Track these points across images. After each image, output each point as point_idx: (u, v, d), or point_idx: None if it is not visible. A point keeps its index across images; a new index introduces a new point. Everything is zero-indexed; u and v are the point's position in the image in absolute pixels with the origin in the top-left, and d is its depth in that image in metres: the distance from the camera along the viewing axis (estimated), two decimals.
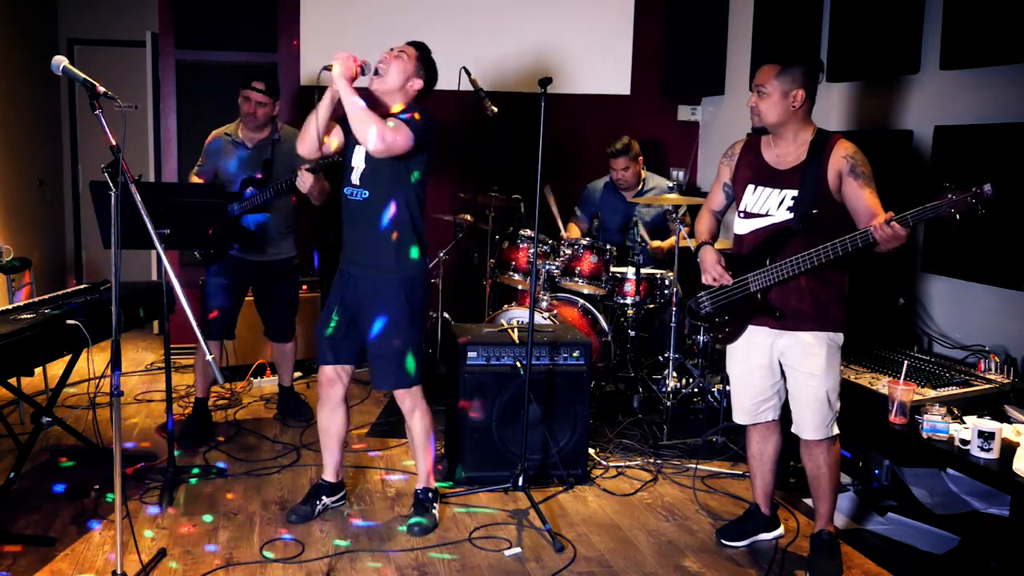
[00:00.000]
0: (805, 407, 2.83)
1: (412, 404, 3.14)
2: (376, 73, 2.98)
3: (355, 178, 3.02)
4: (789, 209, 2.76)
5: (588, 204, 5.01)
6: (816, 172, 2.72)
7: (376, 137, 2.81)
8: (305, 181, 3.67)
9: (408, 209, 3.01)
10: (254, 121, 3.98)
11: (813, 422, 2.82)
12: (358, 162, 3.02)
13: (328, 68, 2.88)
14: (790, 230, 2.75)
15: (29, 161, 6.25)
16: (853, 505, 3.39)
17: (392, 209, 2.99)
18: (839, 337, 2.82)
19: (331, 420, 3.20)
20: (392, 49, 3.03)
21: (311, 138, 3.00)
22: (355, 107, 2.85)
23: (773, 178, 2.82)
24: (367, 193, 2.99)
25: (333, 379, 3.16)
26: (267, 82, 3.97)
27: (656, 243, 4.73)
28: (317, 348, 3.17)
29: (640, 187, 4.88)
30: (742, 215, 2.90)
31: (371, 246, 3.02)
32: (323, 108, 2.95)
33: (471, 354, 3.53)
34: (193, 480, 3.49)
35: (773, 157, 2.84)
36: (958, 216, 2.44)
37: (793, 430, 2.90)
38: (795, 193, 2.75)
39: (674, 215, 4.24)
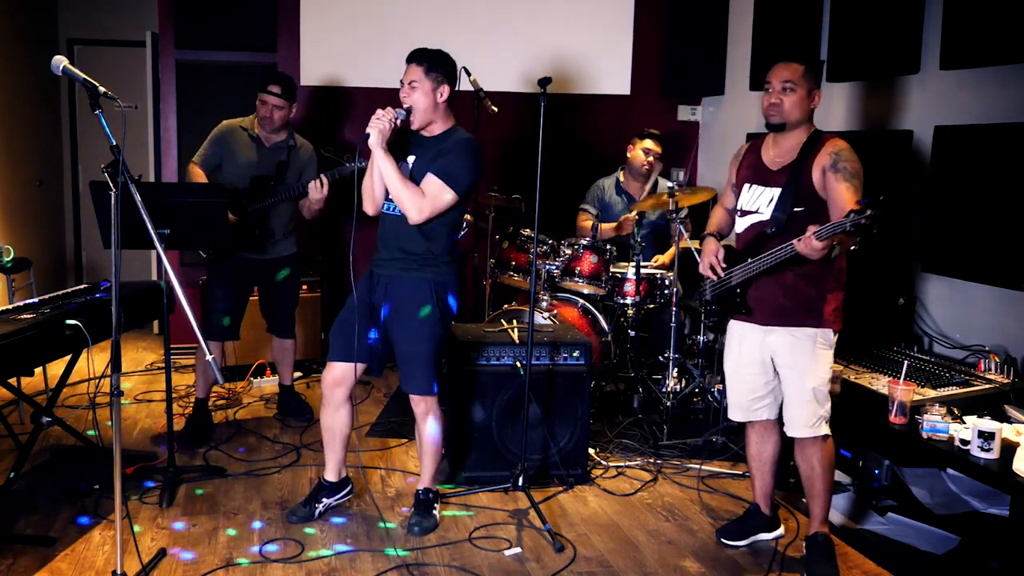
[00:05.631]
0: (794, 403, 2.85)
1: (426, 408, 3.14)
2: (408, 114, 2.99)
3: None
4: (775, 207, 2.80)
5: (596, 199, 4.98)
6: (801, 170, 2.76)
7: (415, 212, 2.94)
8: (314, 194, 3.81)
9: (444, 223, 3.04)
10: (271, 124, 3.98)
11: (801, 419, 2.84)
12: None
13: (367, 137, 2.91)
14: (766, 231, 2.79)
15: (29, 161, 6.25)
16: (852, 505, 3.39)
17: (430, 224, 3.01)
18: (828, 334, 2.82)
19: (334, 419, 3.18)
20: (402, 85, 3.01)
21: (371, 198, 3.10)
22: (393, 182, 2.94)
23: (765, 176, 2.86)
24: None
25: (339, 380, 3.12)
26: (283, 85, 3.97)
27: (659, 259, 4.73)
28: (331, 344, 3.14)
29: (650, 184, 4.89)
30: (739, 213, 2.95)
31: (405, 254, 3.03)
32: (376, 174, 3.03)
33: (471, 354, 3.53)
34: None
35: (770, 157, 2.88)
36: (852, 230, 2.46)
37: (785, 428, 2.91)
38: (779, 191, 2.79)
39: (675, 215, 4.24)
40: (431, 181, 2.95)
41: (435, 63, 3.01)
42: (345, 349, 3.10)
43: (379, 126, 2.91)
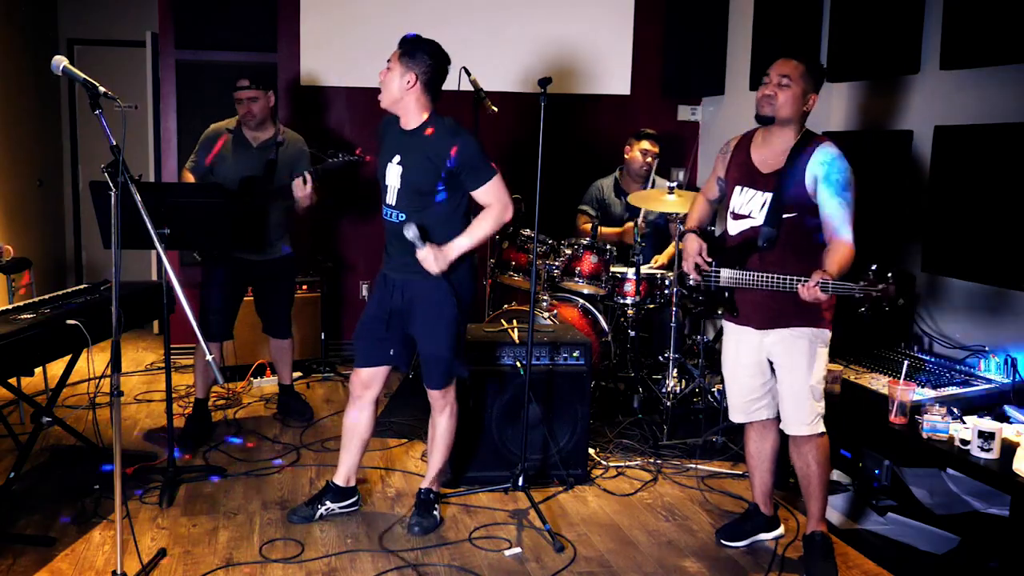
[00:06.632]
0: (789, 401, 2.86)
1: (445, 402, 3.15)
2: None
3: (391, 199, 3.02)
4: (767, 214, 2.80)
5: (595, 200, 4.98)
6: (792, 175, 2.75)
7: (508, 216, 3.01)
8: (298, 189, 3.78)
9: (450, 220, 3.01)
10: (253, 119, 3.97)
11: (797, 416, 2.85)
12: (392, 181, 3.01)
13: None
14: (755, 242, 2.80)
15: (29, 161, 6.25)
16: (852, 505, 3.39)
17: (435, 226, 2.99)
18: (824, 333, 2.83)
19: (358, 418, 3.18)
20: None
21: None
22: (481, 238, 3.00)
23: (755, 179, 2.86)
24: (404, 216, 2.98)
25: (367, 382, 3.14)
26: (251, 77, 3.95)
27: (658, 259, 4.73)
28: (356, 350, 3.16)
29: (649, 184, 4.89)
30: (732, 216, 2.93)
31: (415, 258, 2.98)
32: None
33: (472, 354, 3.52)
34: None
35: (759, 158, 2.87)
36: (866, 304, 2.54)
37: (782, 426, 2.92)
38: (770, 196, 2.79)
39: (675, 215, 4.24)
40: (482, 193, 2.98)
41: (411, 51, 2.94)
42: (369, 354, 3.12)
43: (432, 268, 2.93)
